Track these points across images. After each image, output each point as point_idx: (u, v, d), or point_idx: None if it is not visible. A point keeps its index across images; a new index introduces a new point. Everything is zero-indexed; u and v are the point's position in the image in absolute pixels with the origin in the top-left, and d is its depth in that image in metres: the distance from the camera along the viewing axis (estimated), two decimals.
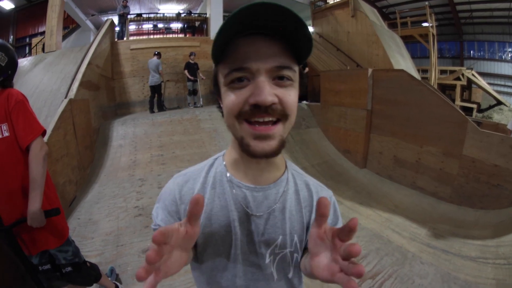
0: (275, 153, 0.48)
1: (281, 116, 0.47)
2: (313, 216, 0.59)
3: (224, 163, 0.61)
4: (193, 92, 6.59)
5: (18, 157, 1.24)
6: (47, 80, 5.06)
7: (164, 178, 3.57)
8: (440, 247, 2.53)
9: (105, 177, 3.65)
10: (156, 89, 6.04)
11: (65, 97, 3.60)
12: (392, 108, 4.18)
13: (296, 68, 0.50)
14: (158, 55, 6.07)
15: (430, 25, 9.59)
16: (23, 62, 6.10)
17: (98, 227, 2.61)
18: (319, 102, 5.63)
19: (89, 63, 4.58)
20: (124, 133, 4.80)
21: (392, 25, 10.34)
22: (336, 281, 0.37)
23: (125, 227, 2.61)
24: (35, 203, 1.20)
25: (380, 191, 3.89)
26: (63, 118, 3.19)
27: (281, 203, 0.58)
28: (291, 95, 0.48)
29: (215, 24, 7.47)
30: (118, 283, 1.84)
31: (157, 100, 6.12)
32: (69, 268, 1.43)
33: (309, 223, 0.60)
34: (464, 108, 10.22)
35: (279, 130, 0.47)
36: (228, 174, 0.59)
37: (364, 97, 4.49)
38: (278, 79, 0.47)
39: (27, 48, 11.77)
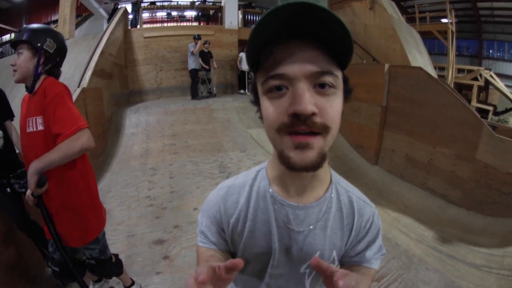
0: (315, 166, 0.44)
1: (322, 129, 0.43)
2: (353, 233, 0.60)
3: (267, 177, 0.59)
4: (206, 81, 6.58)
5: None
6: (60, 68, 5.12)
7: (175, 168, 3.62)
8: (446, 251, 2.52)
9: (117, 166, 3.72)
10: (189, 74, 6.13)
11: (78, 86, 3.65)
12: (407, 106, 4.10)
13: (339, 74, 0.45)
14: (197, 39, 6.17)
15: (450, 21, 9.28)
16: None
17: (110, 216, 2.67)
18: None
19: (102, 52, 4.61)
20: (137, 122, 4.86)
21: (410, 20, 10.04)
22: None
23: (136, 217, 2.68)
24: (29, 178, 1.12)
25: (391, 189, 3.86)
26: (76, 107, 3.23)
27: (323, 222, 0.57)
28: (332, 106, 0.44)
29: (230, 13, 7.39)
30: (133, 279, 1.83)
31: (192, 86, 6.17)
32: (92, 261, 1.43)
33: (348, 240, 0.60)
34: (480, 110, 9.95)
35: (319, 142, 0.43)
36: (270, 190, 0.58)
37: (380, 92, 4.42)
38: (319, 86, 0.43)
39: None
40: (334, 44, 0.42)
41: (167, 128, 4.70)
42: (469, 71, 11.44)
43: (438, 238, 2.76)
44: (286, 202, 0.56)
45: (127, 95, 6.15)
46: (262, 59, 0.45)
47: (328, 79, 0.43)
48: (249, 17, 9.07)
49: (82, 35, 7.65)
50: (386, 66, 4.36)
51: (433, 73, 6.56)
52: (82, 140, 1.14)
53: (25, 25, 1.23)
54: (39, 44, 1.17)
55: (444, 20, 9.79)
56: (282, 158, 0.46)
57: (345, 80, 0.48)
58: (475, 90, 10.70)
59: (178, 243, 2.33)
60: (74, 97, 3.31)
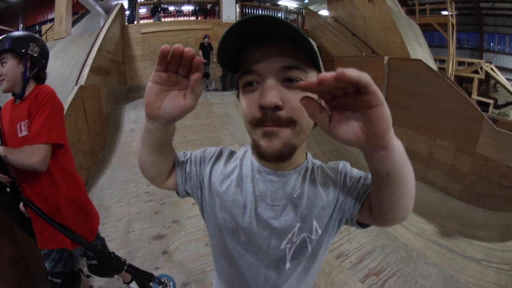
0: (281, 155, 0.47)
1: (288, 122, 0.46)
2: (331, 194, 0.58)
3: (251, 151, 0.62)
4: (205, 75, 6.57)
5: None
6: (58, 66, 5.10)
7: None
8: (446, 245, 2.52)
9: (117, 162, 3.72)
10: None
11: (76, 84, 3.63)
12: (407, 99, 4.09)
13: (311, 70, 0.48)
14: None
15: (450, 13, 9.21)
16: None
17: (110, 213, 2.69)
18: None
19: (99, 49, 4.58)
20: (136, 118, 4.84)
21: (410, 12, 9.96)
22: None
23: (136, 213, 2.68)
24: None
25: None
26: (74, 105, 3.23)
27: (300, 192, 0.57)
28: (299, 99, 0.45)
29: (227, 6, 7.36)
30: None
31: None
32: (94, 261, 1.43)
33: (328, 201, 0.58)
34: (480, 103, 9.90)
35: (285, 133, 0.46)
36: (252, 159, 0.60)
37: (379, 85, 4.28)
38: (287, 81, 0.46)
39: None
40: (298, 44, 0.45)
41: None
42: (470, 64, 11.37)
43: (438, 232, 2.77)
44: (264, 169, 0.57)
45: (126, 92, 6.13)
46: (241, 58, 0.49)
47: (295, 73, 0.46)
48: (246, 10, 8.98)
49: (79, 33, 7.60)
50: (386, 58, 4.34)
51: (433, 65, 6.52)
52: (37, 158, 1.12)
53: (4, 35, 1.22)
54: (23, 50, 1.19)
55: (444, 13, 9.71)
56: (255, 147, 0.50)
57: None
58: (475, 83, 10.64)
59: (177, 238, 2.34)
60: (72, 95, 3.30)
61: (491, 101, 10.60)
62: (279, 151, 0.47)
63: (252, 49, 0.48)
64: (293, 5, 10.07)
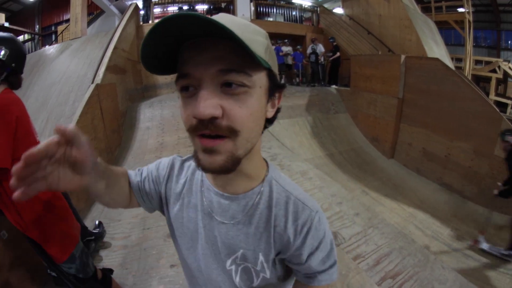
0: (224, 170, 0.43)
1: (228, 132, 0.40)
2: (285, 238, 0.52)
3: None
4: None
5: None
6: (74, 66, 5.20)
7: None
8: (461, 250, 2.47)
9: (133, 159, 3.78)
10: None
11: (92, 82, 3.70)
12: (424, 98, 4.02)
13: (255, 72, 0.41)
14: None
15: (467, 11, 8.98)
16: (50, 50, 6.31)
17: (125, 210, 2.73)
18: (349, 87, 5.49)
19: (115, 48, 4.65)
20: (152, 116, 4.90)
21: (426, 9, 9.74)
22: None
23: None
24: None
25: (407, 184, 3.81)
26: (91, 103, 3.29)
27: (247, 217, 0.53)
28: (242, 107, 0.40)
29: (242, 5, 7.37)
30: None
31: None
32: (72, 278, 1.36)
33: (282, 246, 0.53)
34: (498, 103, 9.61)
35: (226, 146, 0.41)
36: (201, 175, 0.58)
37: (396, 84, 4.34)
38: (226, 86, 0.40)
39: (53, 36, 12.17)
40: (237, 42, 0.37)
41: (181, 122, 4.74)
42: (487, 62, 11.06)
43: (454, 236, 2.72)
44: (213, 189, 0.55)
45: (141, 90, 6.22)
46: (178, 58, 0.43)
47: (235, 78, 0.39)
48: (261, 9, 8.96)
49: (94, 33, 7.75)
50: (402, 57, 4.27)
51: (450, 64, 6.37)
52: None
53: None
54: None
55: (460, 10, 9.45)
56: (195, 158, 0.45)
57: (271, 77, 0.45)
58: (493, 82, 10.33)
59: None
60: (88, 93, 3.36)
61: (509, 102, 10.29)
62: (221, 167, 0.42)
63: (186, 48, 0.41)
64: (307, 3, 9.97)
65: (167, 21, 0.36)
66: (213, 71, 0.39)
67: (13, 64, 1.17)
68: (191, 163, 0.61)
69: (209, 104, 0.39)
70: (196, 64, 0.40)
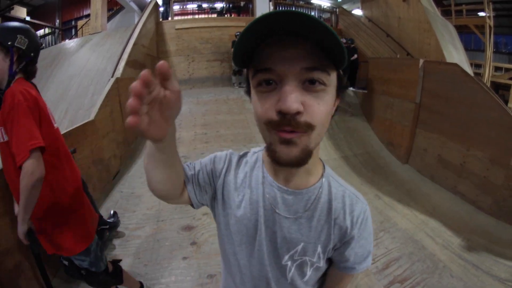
0: (299, 161, 0.46)
1: (306, 128, 0.43)
2: (343, 229, 0.58)
3: (262, 159, 0.61)
4: (238, 72, 6.59)
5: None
6: (93, 59, 5.35)
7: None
8: (471, 261, 2.44)
9: None
10: None
11: (112, 76, 3.80)
12: (442, 104, 3.93)
13: (332, 72, 0.45)
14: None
15: (487, 15, 8.74)
16: (70, 44, 6.49)
17: (141, 201, 2.82)
18: (366, 89, 5.46)
19: (135, 43, 4.76)
20: None
21: (446, 13, 9.52)
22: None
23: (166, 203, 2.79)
24: (18, 227, 1.13)
25: (420, 190, 3.76)
26: (110, 96, 3.39)
27: (310, 211, 0.56)
28: (320, 104, 0.44)
29: (261, 4, 7.40)
30: (141, 282, 1.80)
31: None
32: (83, 272, 1.39)
33: (340, 236, 0.58)
34: None
35: (303, 140, 0.44)
36: (263, 171, 0.59)
37: (414, 89, 4.27)
38: (309, 83, 0.43)
39: (73, 31, 12.55)
40: (325, 43, 0.41)
41: (199, 118, 4.80)
42: (507, 69, 10.72)
43: (465, 246, 2.68)
44: (276, 184, 0.57)
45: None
46: (256, 53, 0.45)
47: (318, 75, 0.43)
48: (280, 8, 8.97)
49: (113, 28, 7.91)
50: (421, 61, 4.20)
51: (469, 70, 6.23)
52: (32, 174, 1.05)
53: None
54: (9, 43, 1.11)
55: (481, 14, 9.20)
56: (270, 151, 0.47)
57: (339, 78, 0.48)
58: None
59: (206, 230, 2.41)
60: (108, 86, 3.46)
61: None
62: (297, 158, 0.45)
63: (269, 45, 0.43)
64: (326, 3, 9.91)
65: (272, 16, 0.38)
66: (297, 67, 0.42)
67: (32, 54, 1.19)
68: (248, 160, 0.63)
69: (295, 99, 0.41)
70: (281, 61, 0.42)
